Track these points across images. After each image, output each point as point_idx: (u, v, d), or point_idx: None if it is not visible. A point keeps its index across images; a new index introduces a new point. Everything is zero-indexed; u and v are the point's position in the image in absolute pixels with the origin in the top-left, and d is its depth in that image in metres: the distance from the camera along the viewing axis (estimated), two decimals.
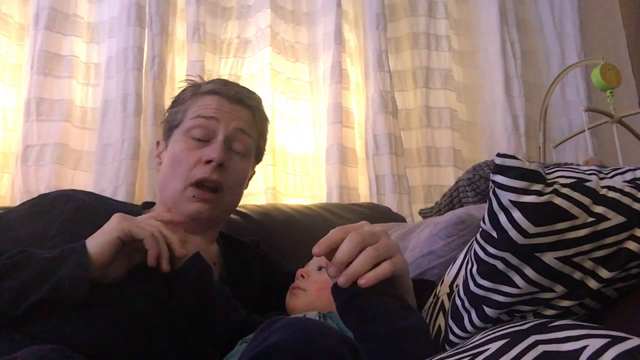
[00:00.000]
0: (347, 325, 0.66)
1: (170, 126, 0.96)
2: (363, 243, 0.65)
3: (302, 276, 0.86)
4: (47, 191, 0.93)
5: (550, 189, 0.58)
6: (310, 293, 0.83)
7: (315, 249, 0.65)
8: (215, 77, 1.77)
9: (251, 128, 0.96)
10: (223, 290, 0.78)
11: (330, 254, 0.66)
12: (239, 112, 0.94)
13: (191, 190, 0.88)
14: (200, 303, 0.74)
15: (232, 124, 0.92)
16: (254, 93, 1.01)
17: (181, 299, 0.73)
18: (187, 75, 1.04)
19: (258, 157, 1.03)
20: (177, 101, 0.99)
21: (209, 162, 0.87)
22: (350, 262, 0.64)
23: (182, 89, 1.01)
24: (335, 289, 0.65)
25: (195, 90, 0.97)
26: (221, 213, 0.94)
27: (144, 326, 0.70)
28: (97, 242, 0.68)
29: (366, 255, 0.64)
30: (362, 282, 0.63)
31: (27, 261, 0.66)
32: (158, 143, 1.00)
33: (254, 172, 1.05)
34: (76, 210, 0.82)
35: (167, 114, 1.00)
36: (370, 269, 0.64)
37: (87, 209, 0.83)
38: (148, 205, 1.00)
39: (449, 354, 0.53)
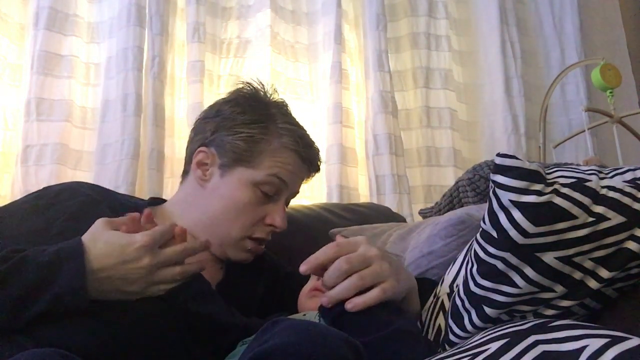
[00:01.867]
0: None
1: (236, 158, 0.88)
2: (350, 271, 0.66)
3: None
4: None
5: (551, 188, 0.58)
6: None
7: (302, 267, 0.66)
8: (215, 77, 1.78)
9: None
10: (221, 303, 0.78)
11: (321, 270, 0.68)
12: (305, 174, 0.96)
13: (249, 244, 0.90)
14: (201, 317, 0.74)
15: (297, 187, 0.95)
16: (319, 153, 0.98)
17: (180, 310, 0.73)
18: (248, 82, 0.96)
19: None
20: (249, 128, 0.89)
21: (272, 225, 0.90)
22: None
23: (247, 102, 0.93)
24: (322, 308, 0.67)
25: (278, 135, 0.90)
26: None
27: (146, 330, 0.69)
28: (113, 289, 0.65)
29: (351, 282, 0.66)
30: (349, 306, 0.65)
31: (21, 266, 0.62)
32: (202, 150, 0.91)
33: None
34: (80, 207, 0.80)
35: (233, 132, 0.89)
36: (360, 293, 0.66)
37: (92, 205, 0.81)
38: (155, 202, 0.99)
39: (448, 353, 0.53)
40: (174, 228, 0.69)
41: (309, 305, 0.80)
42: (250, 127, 0.89)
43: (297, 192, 0.96)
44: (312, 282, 0.84)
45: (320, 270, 0.69)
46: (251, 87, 0.96)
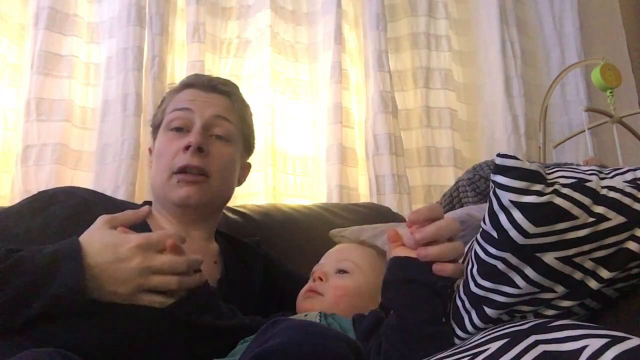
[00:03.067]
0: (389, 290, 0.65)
1: (153, 128, 0.99)
2: (454, 235, 0.65)
3: (320, 278, 0.82)
4: None
5: (551, 189, 0.58)
6: (328, 299, 0.79)
7: (413, 216, 0.64)
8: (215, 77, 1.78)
9: (229, 113, 0.96)
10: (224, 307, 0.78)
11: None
12: (214, 99, 0.96)
13: (175, 177, 0.89)
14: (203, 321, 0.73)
15: (208, 111, 0.93)
16: (229, 80, 1.03)
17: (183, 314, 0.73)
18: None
19: (247, 147, 1.03)
20: (159, 105, 1.02)
21: (187, 147, 0.88)
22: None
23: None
24: (403, 259, 0.65)
25: (171, 88, 1.01)
26: (211, 198, 0.92)
27: (146, 330, 0.69)
28: (110, 291, 0.64)
29: (453, 246, 0.64)
30: (437, 267, 0.63)
31: (18, 267, 0.61)
32: (150, 150, 1.01)
33: (249, 166, 1.05)
34: (76, 209, 0.81)
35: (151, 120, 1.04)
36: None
37: (88, 207, 0.82)
38: (148, 205, 1.00)
39: (448, 353, 0.53)
40: (168, 240, 0.68)
41: (305, 306, 0.80)
42: (162, 100, 1.02)
43: (216, 115, 0.94)
44: (309, 282, 0.84)
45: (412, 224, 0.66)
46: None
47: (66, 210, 0.81)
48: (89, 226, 0.70)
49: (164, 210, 0.93)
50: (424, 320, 0.61)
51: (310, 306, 0.79)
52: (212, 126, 0.93)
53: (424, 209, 0.65)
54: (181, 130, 0.92)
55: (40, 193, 0.88)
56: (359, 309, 0.75)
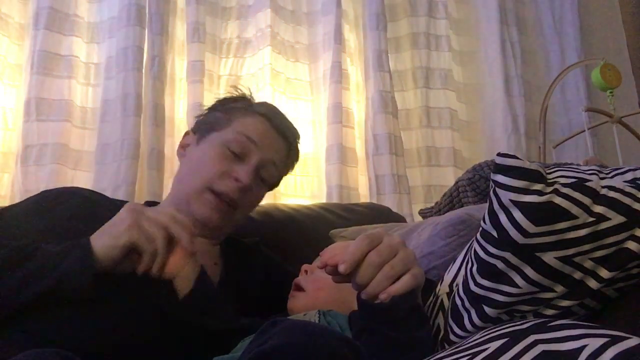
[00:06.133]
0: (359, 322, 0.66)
1: (210, 127, 0.96)
2: (382, 263, 0.66)
3: (305, 271, 0.86)
4: None
5: (551, 188, 0.58)
6: (309, 294, 0.82)
7: (342, 267, 0.64)
8: (215, 77, 1.77)
9: (282, 162, 0.99)
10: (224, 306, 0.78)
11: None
12: (278, 144, 0.97)
13: (210, 196, 0.89)
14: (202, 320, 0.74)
15: (269, 153, 0.94)
16: (296, 129, 1.03)
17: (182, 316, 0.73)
18: (236, 85, 1.07)
19: (272, 187, 1.03)
20: (225, 107, 0.99)
21: (237, 180, 0.89)
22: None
23: (231, 95, 1.03)
24: (359, 299, 0.67)
25: (247, 105, 0.99)
26: (227, 228, 0.95)
27: (144, 328, 0.69)
28: (104, 244, 0.66)
29: (384, 274, 0.65)
30: (383, 296, 0.64)
31: (33, 254, 0.65)
32: (187, 133, 1.00)
33: None
34: (81, 207, 0.82)
35: (207, 113, 1.01)
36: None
37: (92, 206, 0.84)
38: (150, 205, 1.00)
39: (447, 353, 0.53)
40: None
41: (290, 306, 0.83)
42: (228, 102, 1.00)
43: (272, 161, 0.95)
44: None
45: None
46: (239, 90, 1.04)
47: (71, 209, 0.81)
48: (93, 225, 0.70)
49: (177, 210, 0.92)
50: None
51: (293, 305, 0.82)
52: (263, 168, 0.94)
53: (350, 258, 0.65)
54: (236, 154, 0.91)
55: (45, 192, 0.88)
56: (340, 302, 0.77)
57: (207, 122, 0.97)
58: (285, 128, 0.98)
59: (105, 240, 0.66)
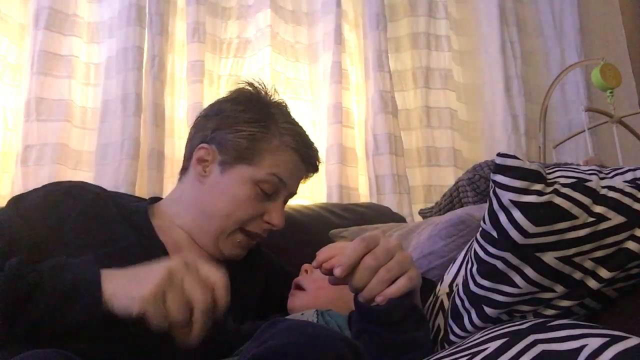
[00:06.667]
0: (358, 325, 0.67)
1: (237, 156, 0.89)
2: (378, 266, 0.66)
3: (306, 271, 0.86)
4: None
5: (551, 188, 0.58)
6: (309, 293, 0.83)
7: (338, 271, 0.64)
8: (215, 77, 1.78)
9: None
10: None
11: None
12: (303, 174, 0.96)
13: (240, 237, 0.89)
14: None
15: (295, 187, 0.95)
16: (318, 152, 0.99)
17: None
18: (252, 83, 0.96)
19: None
20: (251, 130, 0.89)
21: (269, 223, 0.90)
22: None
23: (248, 99, 0.94)
24: (359, 305, 0.67)
25: (274, 131, 0.91)
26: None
27: (146, 339, 0.68)
28: (117, 299, 0.59)
29: (379, 277, 0.65)
30: (379, 299, 0.65)
31: (37, 289, 0.59)
32: (203, 148, 0.90)
33: None
34: (90, 204, 0.81)
35: (235, 130, 0.89)
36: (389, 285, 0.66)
37: (100, 202, 0.83)
38: (155, 201, 0.99)
39: (447, 352, 0.53)
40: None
41: (290, 305, 0.84)
42: (251, 125, 0.90)
43: (295, 192, 0.96)
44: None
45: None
46: (252, 86, 0.97)
47: (80, 205, 0.80)
48: (102, 221, 0.68)
49: (193, 231, 0.90)
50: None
51: (293, 304, 0.83)
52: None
53: (346, 261, 0.65)
54: (266, 193, 0.89)
55: (54, 185, 0.86)
56: (340, 301, 0.78)
57: (233, 149, 0.89)
58: (312, 159, 0.96)
59: (119, 294, 0.60)
